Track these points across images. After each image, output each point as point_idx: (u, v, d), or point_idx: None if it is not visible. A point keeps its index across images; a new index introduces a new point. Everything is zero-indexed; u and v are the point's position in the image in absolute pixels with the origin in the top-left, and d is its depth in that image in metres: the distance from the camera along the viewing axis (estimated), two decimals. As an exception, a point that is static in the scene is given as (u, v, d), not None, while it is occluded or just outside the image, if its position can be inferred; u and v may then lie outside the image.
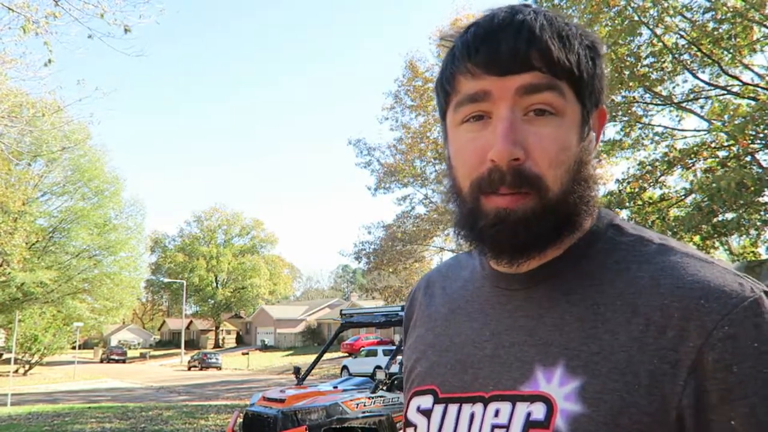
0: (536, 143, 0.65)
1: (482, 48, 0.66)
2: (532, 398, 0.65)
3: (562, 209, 0.67)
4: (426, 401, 0.76)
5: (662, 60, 10.05)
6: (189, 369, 39.79)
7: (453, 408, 0.73)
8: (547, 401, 0.64)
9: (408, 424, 0.78)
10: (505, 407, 0.67)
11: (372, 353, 26.31)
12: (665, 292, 0.63)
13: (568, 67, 0.66)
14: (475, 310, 0.77)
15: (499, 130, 0.65)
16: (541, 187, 0.66)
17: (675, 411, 0.59)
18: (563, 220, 0.68)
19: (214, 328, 64.10)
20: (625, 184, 10.57)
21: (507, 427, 0.66)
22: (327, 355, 29.73)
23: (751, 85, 10.07)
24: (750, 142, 8.34)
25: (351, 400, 6.79)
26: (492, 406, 0.69)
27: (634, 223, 0.75)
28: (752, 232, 8.94)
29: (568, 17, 0.72)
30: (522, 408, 0.66)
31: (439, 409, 0.74)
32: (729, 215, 8.53)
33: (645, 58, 10.13)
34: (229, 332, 64.88)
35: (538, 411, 0.64)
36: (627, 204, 10.25)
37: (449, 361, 0.76)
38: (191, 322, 66.02)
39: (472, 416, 0.70)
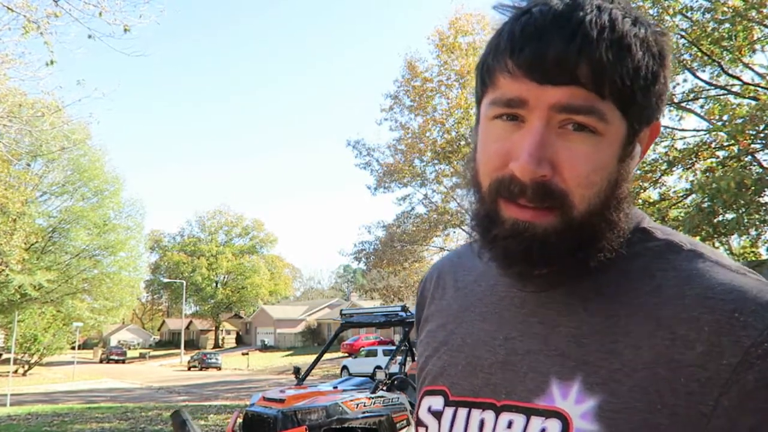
0: (567, 161, 0.60)
1: (527, 47, 0.59)
2: (548, 413, 0.62)
3: (585, 230, 0.62)
4: (437, 402, 0.74)
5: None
6: (189, 369, 39.80)
7: (462, 412, 0.70)
8: (563, 418, 0.61)
9: (419, 423, 0.76)
10: (518, 420, 0.64)
11: (372, 353, 26.34)
12: (692, 303, 0.58)
13: (619, 87, 0.59)
14: (489, 310, 0.73)
15: (527, 145, 0.59)
16: (566, 204, 0.61)
17: None
18: (583, 242, 0.62)
19: (213, 328, 64.09)
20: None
21: None
22: (327, 355, 29.71)
23: (751, 84, 10.08)
24: (750, 142, 8.33)
25: (351, 400, 6.76)
26: (504, 417, 0.66)
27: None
28: (752, 232, 8.95)
29: (640, 11, 0.64)
30: (537, 423, 0.63)
31: (449, 411, 0.72)
32: (729, 215, 8.53)
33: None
34: (228, 332, 64.88)
35: (553, 428, 0.61)
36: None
37: (461, 362, 0.73)
38: (191, 322, 66.02)
39: (482, 423, 0.67)
